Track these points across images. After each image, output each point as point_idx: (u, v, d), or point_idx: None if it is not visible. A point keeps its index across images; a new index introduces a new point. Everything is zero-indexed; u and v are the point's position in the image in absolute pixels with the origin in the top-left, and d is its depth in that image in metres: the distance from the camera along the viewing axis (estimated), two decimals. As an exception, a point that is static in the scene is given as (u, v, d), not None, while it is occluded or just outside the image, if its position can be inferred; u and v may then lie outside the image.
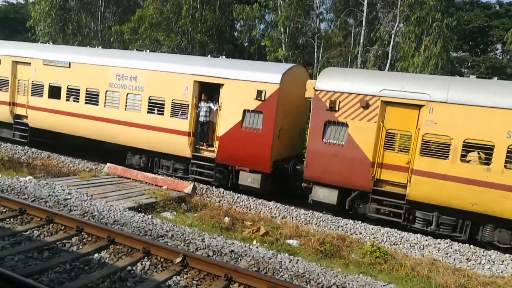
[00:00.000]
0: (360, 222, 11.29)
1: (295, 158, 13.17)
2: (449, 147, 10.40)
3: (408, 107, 10.88)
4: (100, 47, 18.64)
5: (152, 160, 14.39)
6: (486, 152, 10.12)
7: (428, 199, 10.66)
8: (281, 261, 7.41)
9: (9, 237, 6.82)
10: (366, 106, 11.17)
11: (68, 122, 15.34)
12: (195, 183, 12.87)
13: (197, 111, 13.30)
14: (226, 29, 30.35)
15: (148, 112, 13.89)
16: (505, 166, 9.86)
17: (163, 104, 13.63)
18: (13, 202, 8.23)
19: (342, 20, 26.60)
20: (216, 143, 13.09)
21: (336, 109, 11.48)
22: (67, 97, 15.34)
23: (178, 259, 6.50)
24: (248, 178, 12.78)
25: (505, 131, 9.85)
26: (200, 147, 13.53)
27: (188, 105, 13.28)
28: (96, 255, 6.60)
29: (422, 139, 10.62)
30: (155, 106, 13.82)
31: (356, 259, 8.98)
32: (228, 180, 13.25)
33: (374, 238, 10.35)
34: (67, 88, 15.29)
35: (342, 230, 10.84)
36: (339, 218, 11.49)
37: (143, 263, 6.50)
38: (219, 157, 13.05)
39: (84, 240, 7.08)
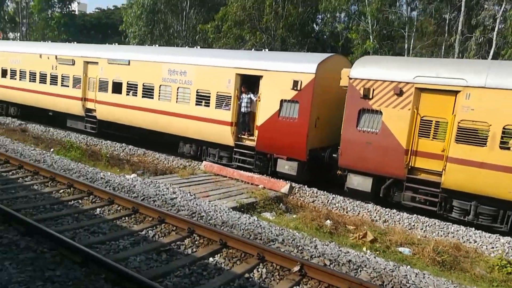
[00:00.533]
0: (473, 229, 10.03)
1: (334, 147, 13.15)
2: (487, 134, 9.84)
3: (444, 93, 10.43)
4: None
5: (200, 149, 15.15)
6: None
7: (464, 188, 10.17)
8: (406, 275, 6.74)
9: (128, 237, 6.99)
10: (399, 93, 10.88)
11: (128, 115, 16.61)
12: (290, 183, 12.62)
13: (238, 102, 13.77)
14: (308, 23, 30.04)
15: (196, 104, 14.63)
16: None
17: (209, 97, 14.29)
18: (126, 201, 8.51)
19: (436, 7, 25.11)
20: (256, 132, 13.48)
21: (370, 97, 11.31)
22: (127, 91, 16.60)
23: (296, 268, 6.14)
24: (285, 166, 13.02)
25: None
26: (242, 136, 13.99)
27: (231, 96, 13.79)
28: (211, 259, 6.50)
29: (458, 126, 10.14)
30: (202, 99, 14.52)
31: (482, 273, 7.97)
32: (267, 168, 13.58)
33: (493, 248, 9.21)
34: (127, 83, 16.54)
35: (453, 237, 9.76)
36: (448, 223, 10.35)
37: (259, 270, 6.23)
38: (259, 145, 13.42)
39: (196, 243, 7.01)
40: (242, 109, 13.79)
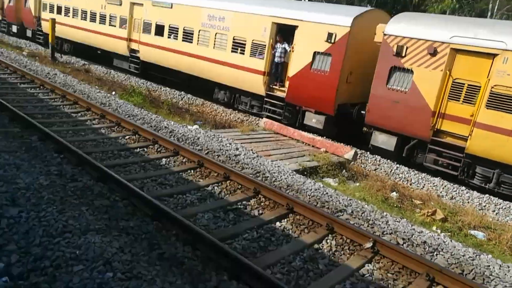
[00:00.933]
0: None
1: (364, 103, 12.92)
2: (518, 101, 9.36)
3: (481, 56, 9.87)
4: None
5: (234, 96, 15.39)
6: None
7: (489, 155, 9.85)
8: (488, 265, 6.05)
9: (194, 191, 6.89)
10: (433, 53, 10.41)
11: (169, 57, 16.98)
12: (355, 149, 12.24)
13: (273, 52, 13.70)
14: None
15: (232, 51, 14.69)
16: None
17: (245, 44, 14.29)
18: (191, 154, 8.30)
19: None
20: (287, 83, 13.47)
21: (403, 54, 10.91)
22: (168, 34, 16.87)
23: (368, 245, 5.75)
24: (313, 119, 13.05)
25: None
26: (274, 86, 14.04)
27: (265, 45, 13.73)
28: (278, 224, 6.27)
29: (491, 90, 9.67)
30: (238, 46, 14.54)
31: None
32: (296, 119, 13.66)
33: None
34: (169, 26, 16.78)
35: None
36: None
37: (329, 241, 5.93)
38: (289, 96, 13.45)
39: (262, 204, 6.80)
40: (276, 59, 13.72)
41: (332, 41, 12.17)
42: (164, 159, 8.25)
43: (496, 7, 21.54)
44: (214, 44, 15.21)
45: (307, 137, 12.33)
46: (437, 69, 10.39)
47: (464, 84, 10.22)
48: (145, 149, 8.74)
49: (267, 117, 14.18)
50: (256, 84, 14.14)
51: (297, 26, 12.99)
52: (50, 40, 20.15)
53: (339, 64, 12.16)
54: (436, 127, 10.65)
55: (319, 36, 12.39)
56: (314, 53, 12.63)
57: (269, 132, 12.89)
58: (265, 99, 14.20)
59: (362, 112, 12.31)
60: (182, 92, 17.02)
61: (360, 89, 12.68)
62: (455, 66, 10.26)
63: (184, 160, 8.32)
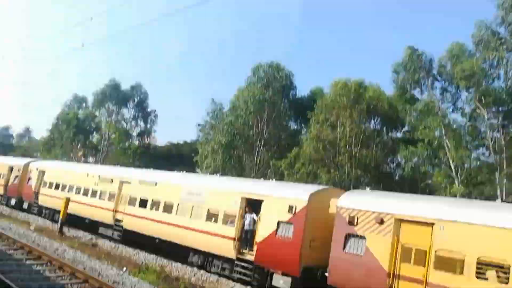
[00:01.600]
0: None
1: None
2: (463, 263, 8.26)
3: (421, 224, 9.11)
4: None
5: (207, 260, 13.17)
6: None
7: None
8: None
9: None
10: (381, 222, 9.57)
11: (150, 226, 14.94)
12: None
13: (242, 220, 12.33)
14: (383, 166, 25.63)
15: (206, 220, 13.13)
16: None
17: (218, 214, 12.88)
18: None
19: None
20: (255, 247, 11.76)
21: (355, 223, 9.97)
22: (151, 207, 15.20)
23: None
24: (280, 280, 11.01)
25: None
26: (244, 251, 12.21)
27: (236, 215, 12.40)
28: None
29: (435, 254, 8.62)
30: (212, 216, 13.09)
31: None
32: (265, 281, 11.51)
33: None
34: (152, 200, 15.23)
35: None
36: None
37: None
38: (257, 259, 11.58)
39: None
40: (246, 227, 12.25)
41: (293, 212, 11.13)
42: None
43: (504, 191, 19.12)
44: (191, 214, 13.64)
45: None
46: (387, 235, 9.38)
47: (411, 248, 9.14)
48: None
49: (238, 279, 11.92)
50: (228, 248, 12.24)
51: (262, 200, 12.00)
52: (61, 216, 17.32)
53: (300, 231, 10.87)
54: (393, 287, 9.08)
55: (282, 208, 11.34)
56: (278, 222, 11.38)
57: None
58: (235, 262, 12.16)
59: (325, 274, 10.58)
60: (195, 268, 13.04)
61: (323, 254, 11.13)
62: (401, 233, 9.33)
63: None
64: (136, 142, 49.54)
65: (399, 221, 9.36)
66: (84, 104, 53.39)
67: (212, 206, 13.14)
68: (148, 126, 50.72)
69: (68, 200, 17.52)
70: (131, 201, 16.09)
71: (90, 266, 10.97)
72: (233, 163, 29.74)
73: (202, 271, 12.76)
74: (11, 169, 24.47)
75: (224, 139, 29.43)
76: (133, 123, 50.41)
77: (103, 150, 48.72)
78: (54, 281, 8.91)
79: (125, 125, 49.84)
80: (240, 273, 12.04)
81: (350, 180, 23.21)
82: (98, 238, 16.67)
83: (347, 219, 10.06)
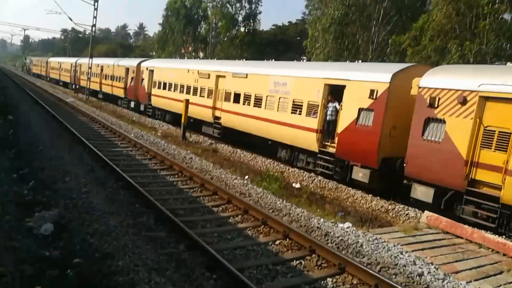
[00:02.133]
0: None
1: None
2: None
3: (510, 102, 10.21)
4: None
5: (293, 154, 16.96)
6: None
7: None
8: None
9: None
10: (463, 102, 10.98)
11: (243, 122, 19.50)
12: None
13: (325, 110, 15.22)
14: None
15: (292, 113, 16.58)
16: None
17: (301, 105, 16.10)
18: (367, 275, 6.88)
19: None
20: (336, 139, 14.68)
21: (436, 105, 11.62)
22: (243, 101, 19.55)
23: None
24: (359, 173, 13.87)
25: None
26: (326, 143, 15.32)
27: (318, 105, 15.36)
28: None
29: (518, 136, 9.84)
30: (297, 107, 16.41)
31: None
32: (346, 175, 14.57)
33: None
34: (244, 94, 19.51)
35: None
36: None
37: None
38: (338, 152, 14.58)
39: None
40: (328, 117, 15.18)
41: (374, 97, 13.34)
42: (329, 279, 7.01)
43: None
44: (278, 107, 17.30)
45: (494, 241, 9.61)
46: (468, 117, 10.85)
47: (495, 131, 10.47)
48: (302, 261, 7.58)
49: (321, 173, 15.33)
50: (310, 141, 15.61)
51: (345, 86, 14.47)
52: (182, 121, 21.55)
53: (380, 118, 13.15)
54: (470, 176, 10.82)
55: (363, 93, 13.67)
56: (359, 109, 13.85)
57: (436, 231, 10.57)
58: (318, 155, 15.48)
59: (404, 165, 12.85)
60: (312, 174, 15.67)
61: (404, 143, 13.30)
62: (486, 113, 10.63)
63: (355, 282, 6.94)
64: (242, 29, 54.18)
65: (484, 99, 10.62)
66: None
67: (297, 96, 16.38)
68: (253, 7, 54.55)
69: (187, 102, 21.82)
70: (227, 97, 20.80)
71: (216, 176, 13.51)
72: (346, 44, 31.76)
73: (319, 178, 15.31)
74: (127, 70, 32.94)
75: (337, 13, 30.97)
76: (237, 5, 54.34)
77: (211, 42, 55.52)
78: (188, 194, 11.18)
79: (230, 9, 54.19)
80: (322, 166, 15.39)
81: (489, 54, 22.93)
82: (217, 143, 21.05)
83: (428, 101, 11.77)
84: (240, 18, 54.40)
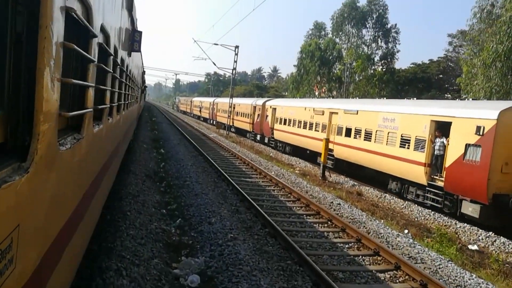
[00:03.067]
0: None
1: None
2: None
3: None
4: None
5: (403, 187, 16.51)
6: None
7: None
8: None
9: None
10: None
11: (353, 154, 19.58)
12: None
13: (432, 145, 14.68)
14: None
15: (400, 147, 16.27)
16: None
17: (409, 140, 15.74)
18: None
19: None
20: (444, 173, 14.02)
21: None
22: (354, 135, 19.67)
23: None
24: (469, 208, 13.04)
25: None
26: (435, 177, 14.68)
27: (425, 140, 14.89)
28: None
29: None
30: (405, 142, 16.07)
31: None
32: (456, 208, 13.78)
33: None
34: (355, 129, 19.63)
35: None
36: None
37: None
38: (446, 185, 13.89)
39: None
40: (436, 152, 14.61)
41: (481, 133, 12.58)
42: None
43: None
44: (387, 141, 17.11)
45: None
46: None
47: None
48: None
49: (431, 206, 14.72)
50: (418, 175, 15.12)
51: (451, 122, 13.86)
52: (322, 160, 19.63)
53: (488, 154, 12.32)
54: None
55: (469, 129, 12.98)
56: (466, 145, 13.14)
57: None
58: (427, 188, 14.90)
59: (520, 203, 11.79)
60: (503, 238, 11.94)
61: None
62: None
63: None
64: (379, 68, 52.82)
65: None
66: (323, 32, 61.89)
67: (404, 131, 16.06)
68: (390, 46, 53.49)
69: (327, 142, 19.69)
70: (339, 131, 21.13)
71: (371, 228, 11.04)
72: None
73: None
74: (254, 108, 35.17)
75: (503, 46, 26.44)
76: (373, 45, 54.25)
77: (345, 82, 54.32)
78: (345, 253, 8.93)
79: (365, 49, 54.08)
80: (432, 199, 14.76)
81: None
82: (361, 185, 18.31)
83: (539, 138, 10.76)
84: (376, 58, 53.43)
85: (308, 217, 11.73)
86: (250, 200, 12.18)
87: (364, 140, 18.74)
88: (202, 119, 61.91)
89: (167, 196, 12.83)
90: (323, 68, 55.54)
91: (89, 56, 3.25)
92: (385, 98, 24.90)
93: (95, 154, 4.30)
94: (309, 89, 58.09)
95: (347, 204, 13.80)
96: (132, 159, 15.96)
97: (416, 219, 13.77)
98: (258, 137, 34.63)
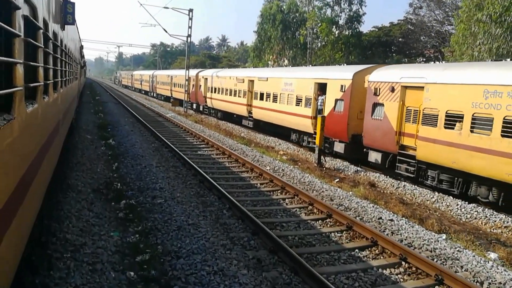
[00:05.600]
0: None
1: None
2: (437, 118, 12.63)
3: (417, 89, 13.55)
4: None
5: (300, 137, 20.94)
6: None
7: (430, 159, 13.07)
8: None
9: None
10: (392, 90, 14.42)
11: (267, 114, 23.75)
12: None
13: (316, 102, 19.05)
14: None
15: (296, 105, 20.55)
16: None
17: (302, 99, 20.04)
18: None
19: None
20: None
21: (378, 94, 15.11)
22: (266, 99, 23.78)
23: None
24: (338, 146, 17.62)
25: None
26: (318, 126, 19.15)
27: (311, 98, 19.23)
28: None
29: (423, 112, 13.19)
30: (299, 101, 20.34)
31: None
32: (330, 148, 18.34)
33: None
34: (266, 93, 23.75)
35: None
36: None
37: None
38: (325, 132, 18.35)
39: None
40: (318, 107, 19.00)
41: (343, 90, 17.01)
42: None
43: None
44: (287, 101, 21.35)
45: None
46: (395, 101, 14.29)
47: (411, 109, 13.86)
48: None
49: (309, 148, 19.20)
50: (308, 125, 19.54)
51: (326, 83, 18.23)
52: (317, 143, 16.55)
53: (347, 105, 16.81)
54: (400, 143, 14.28)
55: (337, 88, 17.38)
56: (335, 100, 17.56)
57: None
58: (313, 135, 19.36)
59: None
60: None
61: (367, 122, 16.80)
62: (406, 97, 14.04)
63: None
64: (345, 32, 48.14)
65: (405, 87, 14.01)
66: None
67: (298, 92, 20.33)
68: (355, 8, 48.22)
69: (323, 119, 16.32)
70: (255, 96, 25.17)
71: (410, 236, 8.77)
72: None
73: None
74: (189, 79, 38.40)
75: (499, 7, 23.23)
76: (336, 8, 48.26)
77: (310, 47, 48.58)
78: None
79: (329, 12, 48.32)
80: (311, 143, 19.24)
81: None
82: (364, 170, 16.02)
83: (373, 91, 15.29)
84: (341, 22, 48.40)
85: (362, 253, 7.85)
86: (260, 224, 8.27)
87: (273, 102, 22.91)
88: (143, 92, 63.99)
89: (131, 231, 7.80)
90: (286, 33, 50.53)
91: (12, 30, 2.98)
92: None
93: (30, 136, 3.96)
94: (272, 57, 53.10)
95: (371, 204, 10.99)
96: (73, 162, 12.27)
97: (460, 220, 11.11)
98: (194, 105, 38.09)
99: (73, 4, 9.05)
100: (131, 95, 57.09)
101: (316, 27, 47.92)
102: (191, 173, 13.06)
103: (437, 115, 12.66)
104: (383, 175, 15.23)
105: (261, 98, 24.39)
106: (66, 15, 8.76)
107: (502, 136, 10.79)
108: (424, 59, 44.72)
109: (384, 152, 15.09)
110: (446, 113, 12.36)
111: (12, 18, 3.04)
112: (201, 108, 36.33)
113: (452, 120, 12.25)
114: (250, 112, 26.29)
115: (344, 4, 47.91)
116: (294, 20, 50.57)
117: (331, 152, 18.39)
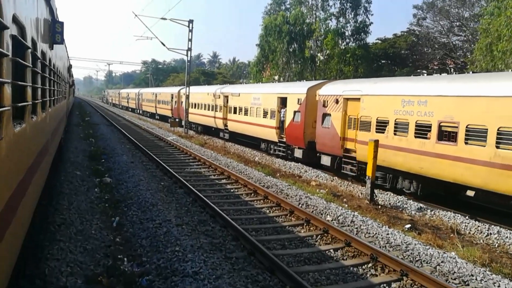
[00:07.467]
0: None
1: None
2: (370, 124, 14.99)
3: (355, 100, 15.96)
4: None
5: (267, 146, 23.19)
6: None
7: (364, 159, 15.36)
8: None
9: None
10: (337, 102, 16.81)
11: (240, 126, 26.03)
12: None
13: (279, 114, 21.40)
14: None
15: (263, 117, 22.88)
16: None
17: (268, 112, 22.37)
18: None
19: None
20: (285, 132, 20.81)
21: (326, 105, 17.50)
22: (238, 112, 26.10)
23: None
24: (297, 152, 19.91)
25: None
26: (282, 135, 21.44)
27: (275, 111, 21.59)
28: None
29: (360, 120, 15.56)
30: (265, 113, 22.67)
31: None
32: (291, 154, 20.62)
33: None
34: (238, 107, 26.08)
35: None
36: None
37: None
38: (287, 140, 20.70)
39: None
40: (281, 118, 21.34)
41: (300, 103, 19.39)
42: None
43: None
44: (256, 114, 23.67)
45: None
46: (339, 111, 16.67)
47: (352, 118, 16.23)
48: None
49: (281, 156, 21.47)
50: (273, 135, 21.84)
51: (287, 97, 20.62)
52: (368, 173, 13.26)
53: (303, 116, 19.17)
54: (344, 147, 16.60)
55: (295, 101, 19.77)
56: (294, 111, 19.92)
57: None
58: (278, 143, 21.66)
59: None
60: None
61: (320, 130, 19.16)
62: (348, 108, 16.43)
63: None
64: (351, 44, 45.96)
65: (346, 99, 16.42)
66: (283, 7, 52.19)
67: (265, 106, 22.70)
68: (361, 18, 46.04)
69: (377, 145, 13.04)
70: (230, 110, 27.49)
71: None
72: None
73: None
74: (172, 96, 40.68)
75: None
76: (341, 19, 46.23)
77: (315, 61, 46.90)
78: None
79: (334, 23, 46.41)
80: (280, 151, 21.54)
81: None
82: (430, 207, 12.78)
83: (322, 103, 17.67)
84: (347, 33, 45.84)
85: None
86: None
87: (244, 115, 25.23)
88: (130, 109, 65.98)
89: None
90: (292, 45, 45.55)
91: (0, 49, 2.98)
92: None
93: (18, 156, 3.94)
94: (278, 71, 47.36)
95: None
96: (56, 220, 8.40)
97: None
98: (177, 120, 40.27)
99: (62, 23, 8.90)
100: (123, 115, 53.44)
101: (320, 38, 45.93)
102: (230, 236, 8.74)
103: (370, 122, 15.04)
104: (467, 219, 11.62)
105: (235, 112, 26.71)
106: (54, 34, 8.57)
107: (415, 137, 13.18)
108: (425, 72, 41.46)
109: (332, 155, 17.38)
110: (377, 119, 14.73)
111: (0, 37, 3.03)
112: (183, 123, 38.49)
113: (382, 125, 14.61)
114: (226, 125, 28.56)
115: (349, 15, 45.54)
116: (301, 32, 45.55)
117: (292, 158, 20.66)
